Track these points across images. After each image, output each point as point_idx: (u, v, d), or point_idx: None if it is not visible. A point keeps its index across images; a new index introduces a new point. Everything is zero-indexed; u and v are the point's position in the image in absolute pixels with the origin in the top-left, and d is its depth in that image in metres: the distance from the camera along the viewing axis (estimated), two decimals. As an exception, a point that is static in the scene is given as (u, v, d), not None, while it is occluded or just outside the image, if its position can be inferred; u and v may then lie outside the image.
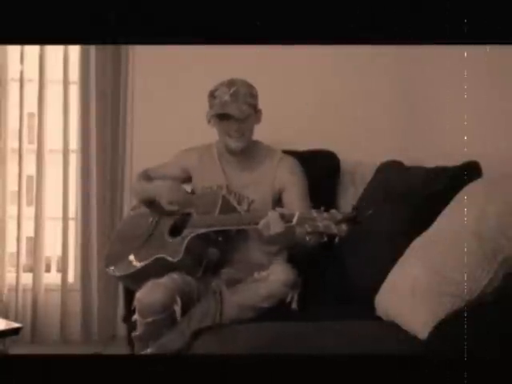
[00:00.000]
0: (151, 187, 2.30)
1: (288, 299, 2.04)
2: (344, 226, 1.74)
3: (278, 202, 2.22)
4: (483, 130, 2.27)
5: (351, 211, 1.78)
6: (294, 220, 1.82)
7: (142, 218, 2.32)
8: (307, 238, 1.82)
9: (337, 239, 1.74)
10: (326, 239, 1.77)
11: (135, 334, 2.02)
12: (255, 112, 2.23)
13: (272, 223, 1.89)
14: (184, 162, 2.38)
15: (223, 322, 1.94)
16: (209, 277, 2.11)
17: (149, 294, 1.96)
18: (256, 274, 2.06)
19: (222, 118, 2.19)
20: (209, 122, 2.22)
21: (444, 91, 2.53)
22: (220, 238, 2.11)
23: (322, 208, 1.80)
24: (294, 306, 2.05)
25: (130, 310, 2.13)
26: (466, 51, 2.10)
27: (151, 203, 2.29)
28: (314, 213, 1.79)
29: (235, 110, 2.17)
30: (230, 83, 2.20)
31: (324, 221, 1.76)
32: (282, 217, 1.88)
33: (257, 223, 1.94)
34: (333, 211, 1.78)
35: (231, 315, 1.95)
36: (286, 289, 2.03)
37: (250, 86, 2.22)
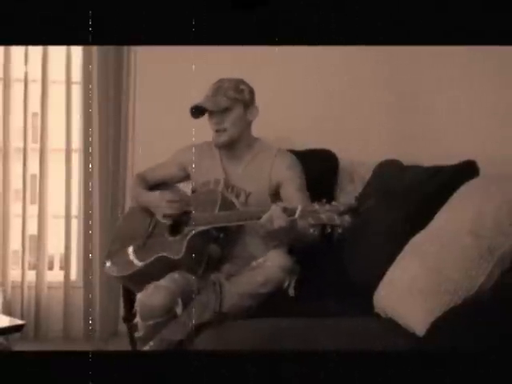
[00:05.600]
0: (147, 199, 2.30)
1: (285, 285, 2.05)
2: (347, 217, 1.75)
3: (275, 195, 2.23)
4: (481, 129, 2.28)
5: (353, 202, 1.80)
6: (297, 213, 1.83)
7: (140, 217, 2.32)
8: (311, 230, 1.83)
9: (340, 230, 1.76)
10: (329, 230, 1.78)
11: (137, 335, 2.04)
12: (244, 107, 2.23)
13: (275, 217, 1.89)
14: (181, 160, 2.39)
15: (223, 312, 1.95)
16: (209, 274, 2.12)
17: (150, 297, 1.97)
18: (253, 263, 2.07)
19: (206, 113, 2.23)
20: (196, 116, 2.24)
21: (443, 91, 2.53)
22: (221, 235, 2.12)
23: (324, 200, 1.82)
24: (291, 292, 2.05)
25: (129, 310, 2.15)
26: (465, 51, 2.10)
27: (147, 209, 2.31)
28: (316, 205, 1.81)
29: (207, 103, 2.20)
30: (219, 80, 2.24)
31: (327, 212, 1.77)
32: (285, 210, 1.89)
33: (258, 218, 1.94)
34: (334, 203, 1.80)
35: (231, 304, 1.97)
36: (283, 274, 2.03)
37: (238, 81, 2.24)
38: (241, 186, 2.25)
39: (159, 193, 2.30)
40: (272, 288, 2.01)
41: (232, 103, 2.21)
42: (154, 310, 1.96)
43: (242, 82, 2.25)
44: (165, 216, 2.21)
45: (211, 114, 2.23)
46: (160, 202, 2.23)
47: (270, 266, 2.03)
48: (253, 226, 2.03)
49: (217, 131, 2.23)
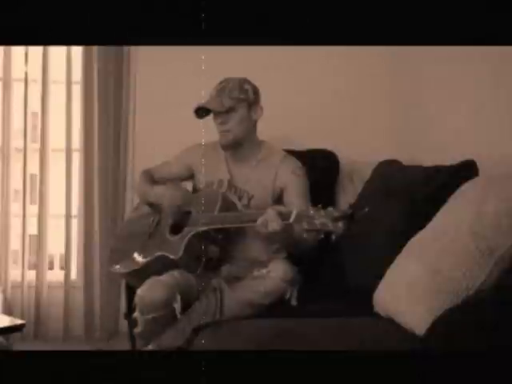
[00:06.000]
0: (153, 194, 2.32)
1: (287, 296, 2.06)
2: (340, 224, 1.75)
3: (277, 200, 2.24)
4: (480, 129, 2.28)
5: (347, 209, 1.80)
6: (292, 218, 1.84)
7: (143, 217, 2.34)
8: (305, 235, 1.84)
9: (333, 236, 1.76)
10: (322, 236, 1.79)
11: (136, 331, 2.04)
12: (248, 106, 2.24)
13: (270, 221, 1.90)
14: (187, 160, 2.41)
15: (223, 319, 1.95)
16: (209, 274, 2.12)
17: (149, 291, 1.98)
18: (256, 272, 2.08)
19: (209, 114, 2.23)
20: (200, 117, 2.25)
21: (442, 91, 2.54)
22: (220, 236, 2.13)
23: (320, 206, 1.82)
24: (294, 302, 2.07)
25: (131, 307, 2.15)
26: (465, 51, 2.10)
27: (152, 204, 2.32)
28: (312, 210, 1.81)
29: (212, 103, 2.21)
30: (223, 80, 2.25)
31: (321, 218, 1.77)
32: (280, 214, 1.90)
33: (255, 221, 1.95)
34: (329, 209, 1.80)
35: (231, 312, 1.97)
36: (286, 285, 2.05)
37: (242, 81, 2.24)
38: (244, 188, 2.26)
39: (163, 187, 2.31)
40: (274, 299, 2.03)
41: (236, 103, 2.21)
42: (152, 304, 1.96)
43: (246, 81, 2.26)
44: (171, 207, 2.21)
45: (216, 114, 2.23)
46: (165, 195, 2.25)
47: (273, 276, 2.04)
48: (254, 229, 2.03)
49: (222, 131, 2.24)
